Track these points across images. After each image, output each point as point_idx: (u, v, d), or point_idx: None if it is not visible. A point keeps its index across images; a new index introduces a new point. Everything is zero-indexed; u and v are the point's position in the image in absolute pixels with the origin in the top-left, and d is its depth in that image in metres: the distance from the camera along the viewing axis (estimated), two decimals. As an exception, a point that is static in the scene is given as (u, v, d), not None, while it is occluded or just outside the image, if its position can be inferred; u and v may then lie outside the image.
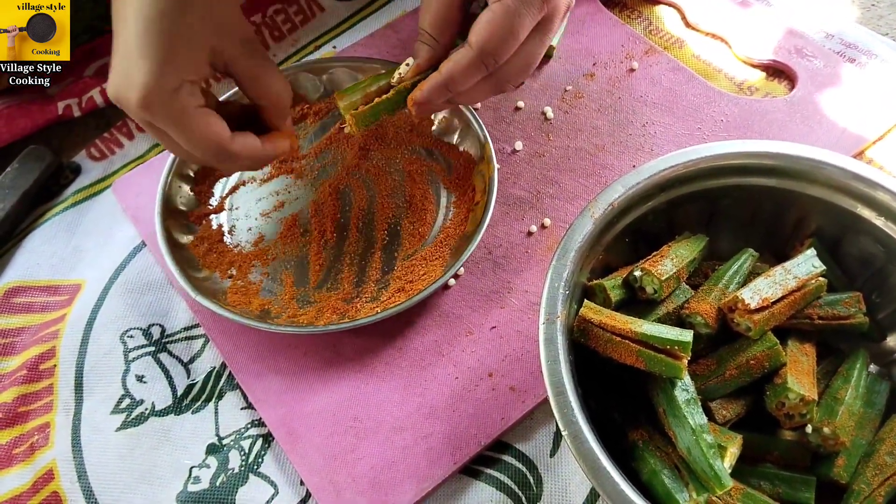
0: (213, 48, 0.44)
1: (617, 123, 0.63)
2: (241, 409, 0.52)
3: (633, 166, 0.60)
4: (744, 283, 0.46)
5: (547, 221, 0.58)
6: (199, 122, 0.44)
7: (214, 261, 0.56)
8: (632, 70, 0.66)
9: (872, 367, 0.47)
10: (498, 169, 0.56)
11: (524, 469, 0.48)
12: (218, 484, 0.49)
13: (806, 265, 0.45)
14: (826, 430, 0.42)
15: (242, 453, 0.50)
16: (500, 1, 0.42)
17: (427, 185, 0.60)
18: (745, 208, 0.50)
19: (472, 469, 0.49)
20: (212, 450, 0.50)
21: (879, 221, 0.46)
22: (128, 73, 0.42)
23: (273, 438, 0.50)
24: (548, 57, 0.68)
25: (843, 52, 0.66)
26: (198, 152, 0.45)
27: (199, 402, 0.52)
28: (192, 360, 0.54)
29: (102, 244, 0.61)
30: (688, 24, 0.70)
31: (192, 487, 0.49)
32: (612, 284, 0.46)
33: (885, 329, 0.48)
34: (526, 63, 0.46)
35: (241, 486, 0.49)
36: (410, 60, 0.47)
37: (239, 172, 0.62)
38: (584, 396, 0.41)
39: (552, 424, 0.50)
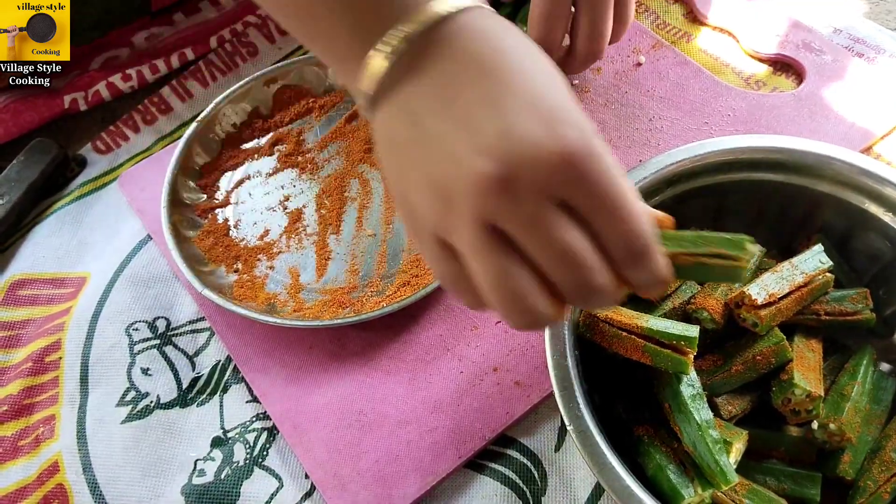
0: None
1: (623, 118, 0.63)
2: (247, 402, 0.52)
3: (640, 161, 0.60)
4: (750, 279, 0.46)
5: (552, 216, 0.58)
6: (627, 187, 0.30)
7: (220, 254, 0.56)
8: (639, 64, 0.66)
9: (879, 364, 0.46)
10: (504, 163, 0.56)
11: (529, 463, 0.48)
12: (223, 477, 0.49)
13: (813, 261, 0.45)
14: (832, 426, 0.42)
15: (247, 446, 0.50)
16: None
17: (432, 180, 0.59)
18: (752, 203, 0.50)
19: (477, 463, 0.49)
20: (217, 443, 0.50)
21: (887, 217, 0.46)
22: (566, 118, 0.30)
23: (278, 432, 0.50)
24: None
25: (851, 46, 0.65)
26: (617, 246, 0.30)
27: (205, 396, 0.52)
28: (197, 354, 0.54)
29: (108, 237, 0.61)
30: (695, 19, 0.70)
31: (196, 480, 0.49)
32: (617, 279, 0.46)
33: (893, 325, 0.47)
34: None
35: (246, 479, 0.49)
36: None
37: (245, 167, 0.62)
38: (589, 391, 0.41)
39: (557, 419, 0.50)
